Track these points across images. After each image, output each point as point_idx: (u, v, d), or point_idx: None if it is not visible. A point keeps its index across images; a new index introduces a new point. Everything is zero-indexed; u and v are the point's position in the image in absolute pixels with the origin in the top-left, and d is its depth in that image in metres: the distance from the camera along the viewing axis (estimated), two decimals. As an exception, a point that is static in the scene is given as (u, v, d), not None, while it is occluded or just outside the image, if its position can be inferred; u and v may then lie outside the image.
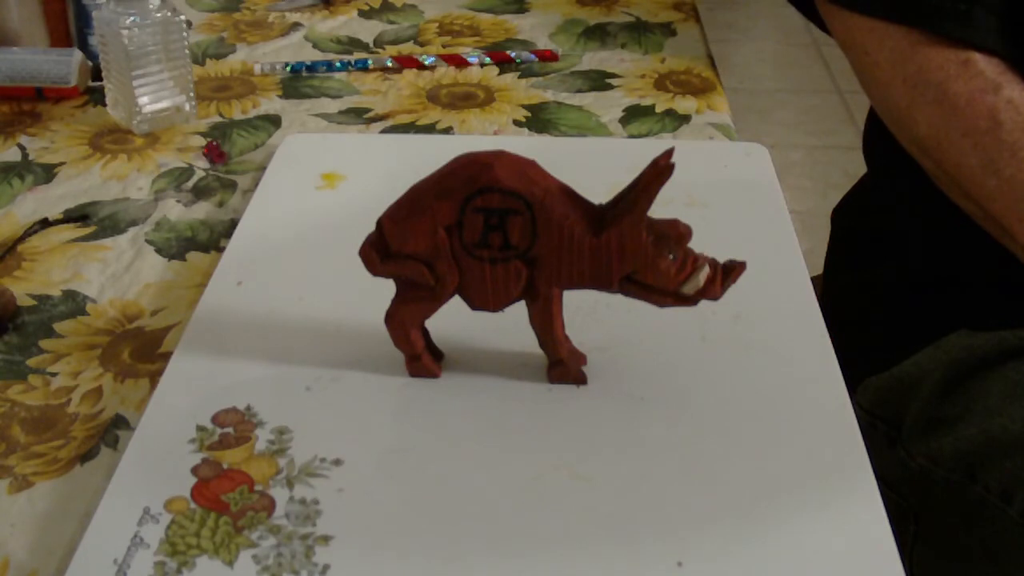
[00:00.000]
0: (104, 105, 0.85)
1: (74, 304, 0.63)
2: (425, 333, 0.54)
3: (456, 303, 0.52)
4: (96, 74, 0.87)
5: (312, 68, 0.92)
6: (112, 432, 0.53)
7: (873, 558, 0.44)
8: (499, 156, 0.48)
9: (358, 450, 0.50)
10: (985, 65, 0.63)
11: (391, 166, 0.72)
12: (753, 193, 0.70)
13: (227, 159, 0.78)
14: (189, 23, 1.01)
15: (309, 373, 0.54)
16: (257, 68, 0.92)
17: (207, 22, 1.03)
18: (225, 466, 0.49)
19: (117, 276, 0.65)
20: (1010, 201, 0.62)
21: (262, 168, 0.76)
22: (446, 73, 0.92)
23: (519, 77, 0.91)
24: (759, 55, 2.85)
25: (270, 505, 0.47)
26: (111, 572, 0.44)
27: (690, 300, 0.50)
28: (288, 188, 0.71)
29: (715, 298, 0.50)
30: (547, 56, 0.93)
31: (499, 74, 0.91)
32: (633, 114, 0.84)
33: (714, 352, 0.56)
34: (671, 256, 0.49)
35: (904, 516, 0.76)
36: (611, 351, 0.55)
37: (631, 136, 0.81)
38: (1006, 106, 0.62)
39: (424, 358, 0.53)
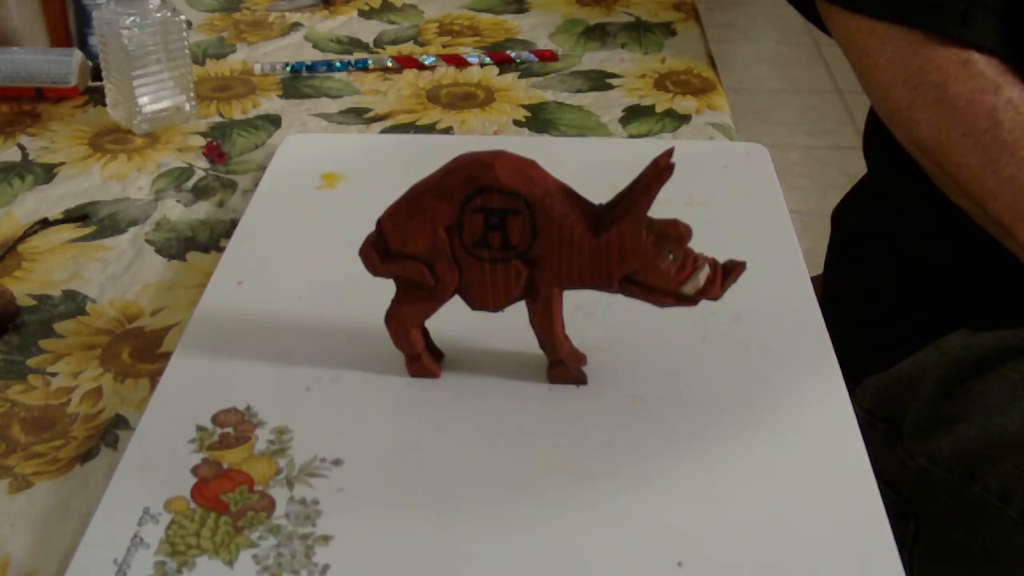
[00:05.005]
0: (104, 105, 0.85)
1: (74, 304, 0.63)
2: (425, 333, 0.54)
3: (456, 303, 0.52)
4: (96, 74, 0.87)
5: (312, 68, 0.92)
6: (112, 432, 0.53)
7: (873, 558, 0.44)
8: (499, 156, 0.48)
9: (358, 450, 0.50)
10: (985, 65, 0.63)
11: (391, 166, 0.72)
12: (753, 193, 0.70)
13: (227, 159, 0.78)
14: (189, 23, 1.01)
15: (309, 373, 0.54)
16: (257, 68, 0.92)
17: (207, 22, 1.03)
18: (225, 466, 0.49)
19: (117, 276, 0.65)
20: (1010, 200, 0.62)
21: (262, 168, 0.76)
22: (446, 73, 0.92)
23: (519, 77, 0.91)
24: (759, 55, 2.85)
25: (270, 505, 0.47)
26: (111, 572, 0.44)
27: (690, 300, 0.50)
28: (288, 188, 0.71)
29: (715, 298, 0.50)
30: (547, 56, 0.93)
31: (499, 74, 0.91)
32: (633, 114, 0.84)
33: (714, 352, 0.56)
34: (671, 256, 0.49)
35: (904, 516, 0.76)
36: (611, 351, 0.55)
37: (631, 136, 0.81)
38: (1006, 106, 0.62)
39: (424, 358, 0.53)
